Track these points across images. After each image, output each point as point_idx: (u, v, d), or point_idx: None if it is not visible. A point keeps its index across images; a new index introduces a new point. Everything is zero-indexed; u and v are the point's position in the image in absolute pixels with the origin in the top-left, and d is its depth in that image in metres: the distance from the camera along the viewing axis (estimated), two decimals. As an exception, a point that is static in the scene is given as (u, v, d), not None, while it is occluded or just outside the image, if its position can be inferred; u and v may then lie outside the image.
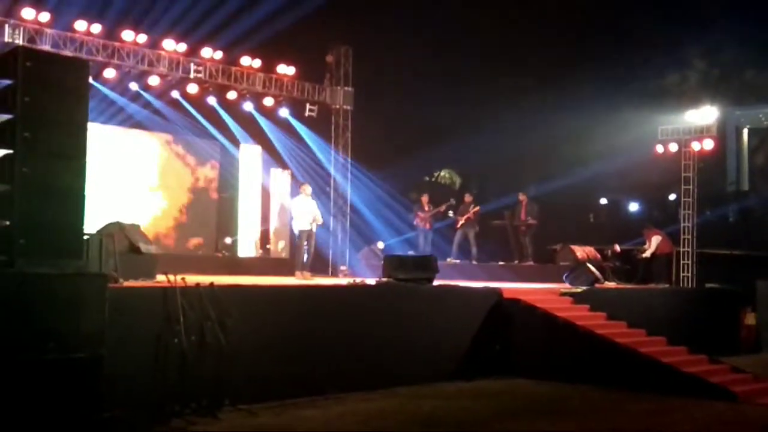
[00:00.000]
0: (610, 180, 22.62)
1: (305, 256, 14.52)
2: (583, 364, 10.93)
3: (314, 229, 14.66)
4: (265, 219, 19.26)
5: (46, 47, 14.92)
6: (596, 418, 9.08)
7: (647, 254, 16.78)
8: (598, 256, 16.33)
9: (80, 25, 15.53)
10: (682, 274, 18.74)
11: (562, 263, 16.08)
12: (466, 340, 11.24)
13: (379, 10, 18.86)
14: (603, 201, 24.83)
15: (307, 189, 14.98)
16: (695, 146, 18.99)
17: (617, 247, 17.29)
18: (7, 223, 7.29)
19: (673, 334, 11.78)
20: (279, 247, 18.89)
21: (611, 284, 15.12)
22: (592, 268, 14.64)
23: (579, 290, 12.95)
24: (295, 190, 18.94)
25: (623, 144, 20.19)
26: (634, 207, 24.86)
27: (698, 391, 10.03)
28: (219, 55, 17.45)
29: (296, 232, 14.73)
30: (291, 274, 14.62)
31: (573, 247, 16.27)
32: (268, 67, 18.43)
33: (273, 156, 19.46)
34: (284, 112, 19.04)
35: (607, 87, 19.63)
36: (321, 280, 14.27)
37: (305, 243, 14.48)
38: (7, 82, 7.52)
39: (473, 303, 11.62)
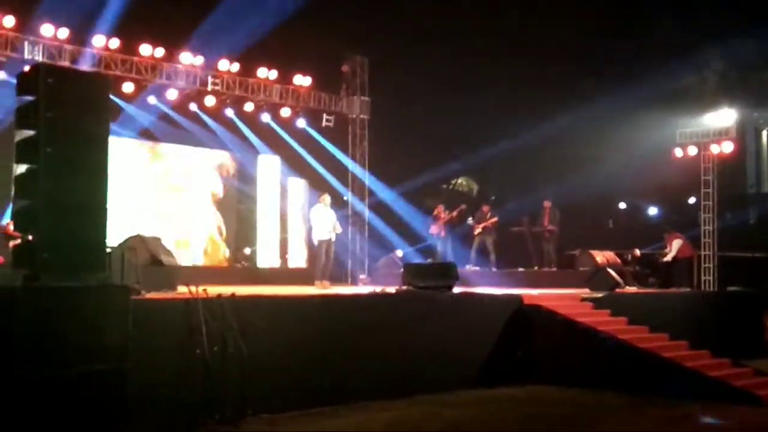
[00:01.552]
0: (629, 184, 22.52)
1: (325, 266, 14.55)
2: (605, 369, 10.88)
3: (333, 239, 14.70)
4: (283, 229, 19.34)
5: (66, 63, 15.10)
6: (619, 424, 9.05)
7: (668, 258, 16.70)
8: (618, 260, 16.26)
9: (98, 40, 15.69)
10: (703, 278, 18.61)
11: (582, 269, 16.03)
12: (487, 347, 11.22)
13: (394, 19, 18.91)
14: (622, 205, 24.73)
15: (326, 199, 15.01)
16: (714, 149, 18.88)
17: (637, 252, 17.21)
18: (31, 237, 7.38)
19: (696, 338, 11.71)
20: (298, 256, 18.94)
21: (632, 289, 15.06)
22: (613, 273, 14.59)
23: (599, 295, 12.91)
24: (314, 200, 19.05)
25: (642, 148, 20.10)
26: (653, 211, 24.75)
27: (722, 396, 9.96)
28: (236, 67, 17.57)
29: (315, 241, 14.77)
30: (310, 283, 14.66)
31: (593, 252, 16.22)
32: (285, 78, 18.54)
33: (291, 166, 19.54)
34: (301, 123, 19.13)
35: (624, 90, 19.54)
36: (341, 289, 14.30)
37: (324, 252, 14.52)
38: (30, 98, 7.63)
39: (494, 309, 11.60)
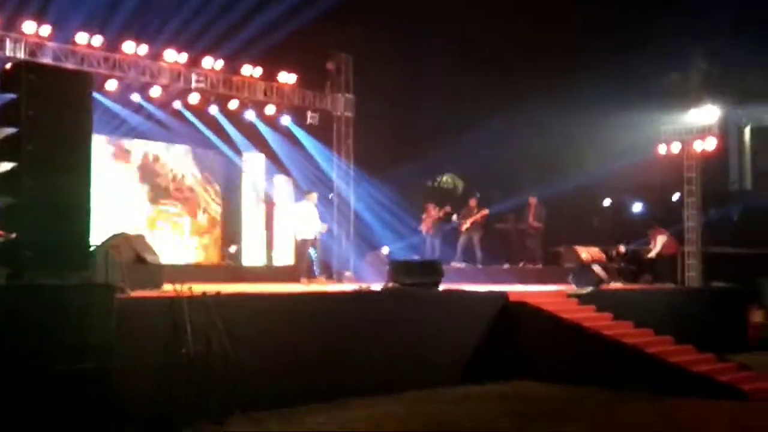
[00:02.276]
0: (612, 181, 22.58)
1: (312, 263, 14.51)
2: (591, 365, 10.92)
3: (318, 237, 14.66)
4: (268, 227, 19.28)
5: (48, 61, 14.96)
6: (605, 420, 9.09)
7: (653, 254, 16.78)
8: (603, 257, 16.30)
9: (81, 37, 15.55)
10: (687, 274, 18.71)
11: (567, 265, 16.07)
12: (473, 344, 11.24)
13: (378, 17, 18.91)
14: (606, 202, 24.81)
15: (314, 197, 14.94)
16: (697, 146, 18.98)
17: (622, 248, 17.28)
18: (14, 235, 7.33)
19: (681, 334, 11.77)
20: (284, 254, 18.89)
21: (617, 285, 15.12)
22: (597, 269, 14.64)
23: (584, 291, 12.96)
24: (299, 198, 19.02)
25: (625, 144, 20.17)
26: (637, 207, 24.84)
27: (707, 391, 10.02)
28: (220, 64, 17.47)
29: (299, 239, 14.73)
30: (296, 281, 14.63)
31: (577, 248, 16.26)
32: (269, 76, 18.46)
33: (276, 164, 19.49)
34: (286, 120, 19.07)
35: (607, 87, 19.60)
36: (326, 286, 14.27)
37: (309, 250, 14.47)
38: (11, 96, 7.57)
39: (480, 306, 11.62)
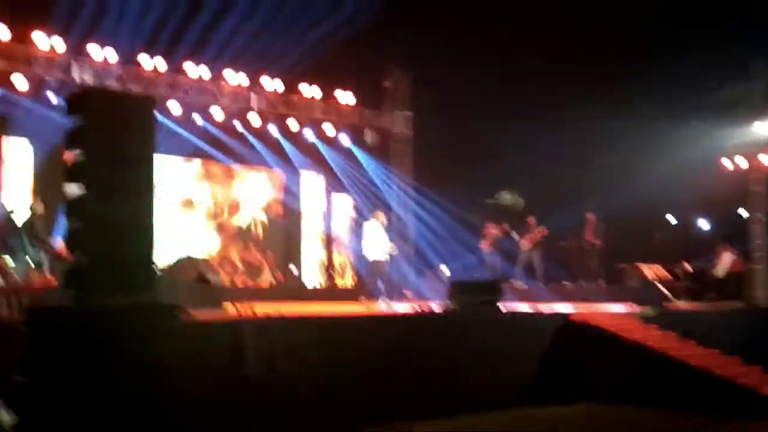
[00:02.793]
0: (677, 196, 22.12)
1: (380, 284, 14.44)
2: (656, 386, 10.67)
3: (385, 257, 14.57)
4: (328, 246, 19.38)
5: (113, 84, 15.35)
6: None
7: (719, 272, 16.38)
8: (667, 275, 15.98)
9: (145, 61, 15.94)
10: (755, 292, 18.20)
11: (630, 283, 15.78)
12: (533, 364, 11.08)
13: (435, 33, 18.89)
14: (670, 218, 24.32)
15: (381, 216, 14.89)
16: (764, 159, 18.49)
17: (687, 265, 16.90)
18: (82, 258, 7.49)
19: (748, 354, 11.42)
20: (344, 274, 18.97)
21: (682, 304, 14.78)
22: (661, 288, 14.35)
23: (648, 310, 12.70)
24: (358, 216, 19.09)
25: (689, 158, 19.77)
26: (703, 224, 24.30)
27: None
28: (279, 84, 17.72)
29: (369, 259, 14.69)
30: (356, 301, 14.65)
31: (641, 266, 15.97)
32: (327, 95, 18.65)
33: (334, 182, 19.61)
34: (344, 139, 19.20)
35: (669, 100, 19.26)
36: (387, 306, 14.24)
37: (378, 270, 14.41)
38: (78, 120, 7.76)
39: (540, 326, 11.47)
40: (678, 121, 19.79)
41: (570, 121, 19.67)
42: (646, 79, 20.01)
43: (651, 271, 15.90)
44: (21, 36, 14.76)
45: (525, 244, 17.63)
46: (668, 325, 12.03)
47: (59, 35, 14.96)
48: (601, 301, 14.93)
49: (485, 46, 19.54)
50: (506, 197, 23.46)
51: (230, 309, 8.83)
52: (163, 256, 9.14)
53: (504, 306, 11.98)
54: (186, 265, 9.57)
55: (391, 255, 14.74)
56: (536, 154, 19.98)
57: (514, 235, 18.04)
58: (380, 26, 18.03)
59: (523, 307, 12.70)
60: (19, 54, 14.69)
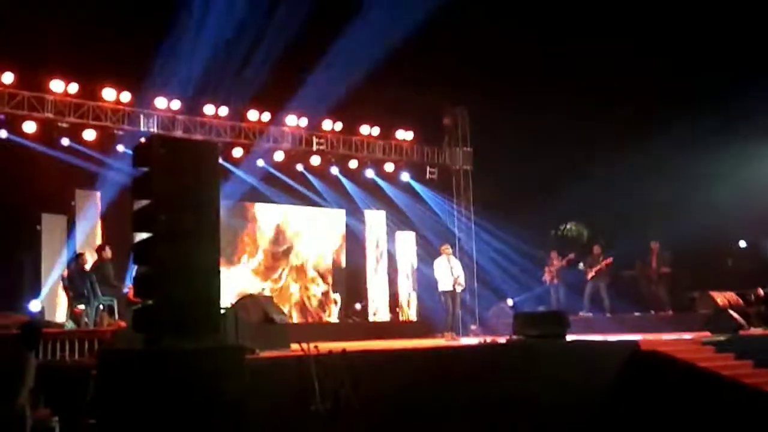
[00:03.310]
0: (747, 221, 21.60)
1: (450, 318, 14.42)
2: (732, 415, 10.38)
3: (458, 290, 14.57)
4: (393, 283, 19.45)
5: (179, 133, 15.84)
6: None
7: (794, 296, 15.90)
8: (741, 301, 15.56)
9: (209, 109, 16.41)
10: (833, 316, 17.58)
11: (702, 311, 15.42)
12: (604, 396, 10.87)
13: (491, 67, 18.97)
14: (741, 243, 23.73)
15: (448, 249, 14.92)
16: (835, 179, 17.99)
17: (761, 291, 16.44)
18: (150, 302, 7.69)
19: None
20: (409, 309, 18.99)
21: (757, 330, 14.37)
22: (735, 315, 13.99)
23: (722, 338, 12.38)
24: (422, 252, 19.15)
25: (757, 182, 19.36)
26: (775, 247, 23.63)
27: None
28: (339, 126, 18.02)
29: (440, 293, 14.63)
30: (422, 336, 14.65)
31: (713, 293, 15.58)
32: (387, 134, 18.87)
33: (397, 219, 19.73)
34: (405, 176, 19.36)
35: (735, 122, 18.91)
36: (453, 341, 14.20)
37: (450, 303, 14.40)
38: (145, 169, 8.02)
39: (609, 357, 11.26)
40: (744, 144, 19.42)
41: (633, 151, 19.47)
42: (708, 102, 19.72)
43: (723, 298, 15.51)
44: (90, 91, 15.35)
45: (591, 274, 17.42)
46: (743, 352, 11.73)
47: (126, 89, 15.52)
48: (673, 330, 14.61)
49: (545, 78, 19.53)
50: (571, 228, 23.27)
51: (295, 347, 8.92)
52: (229, 295, 9.31)
53: (572, 337, 11.85)
54: (248, 303, 9.74)
55: (462, 285, 14.71)
56: (601, 184, 19.79)
57: (581, 265, 17.85)
58: (438, 64, 18.21)
59: (591, 338, 12.51)
60: (89, 108, 15.26)
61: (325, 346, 8.79)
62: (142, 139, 9.31)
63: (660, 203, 20.13)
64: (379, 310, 19.09)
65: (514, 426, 9.85)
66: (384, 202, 19.50)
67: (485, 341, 11.98)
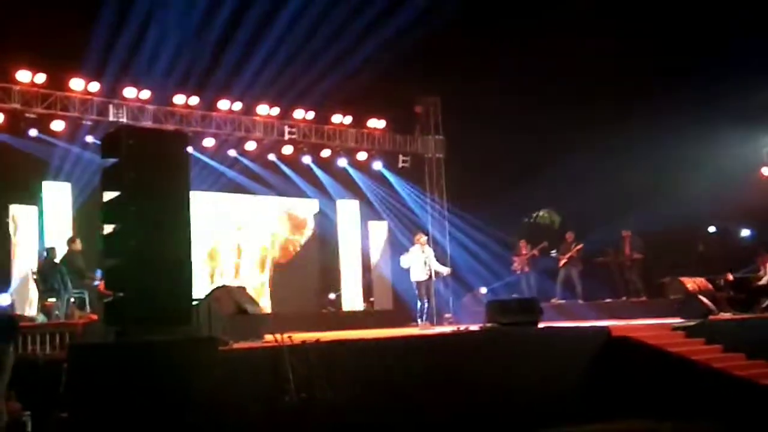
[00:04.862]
0: (717, 206, 21.80)
1: (425, 307, 14.39)
2: (702, 399, 10.50)
3: (432, 278, 14.53)
4: (366, 272, 19.43)
5: (148, 123, 15.68)
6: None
7: (763, 281, 16.11)
8: (710, 286, 15.75)
9: (179, 98, 16.26)
10: (802, 300, 17.84)
11: (672, 297, 15.59)
12: (576, 382, 10.97)
13: (464, 56, 18.97)
14: (711, 229, 23.97)
15: (422, 238, 14.89)
16: (804, 166, 18.24)
17: (730, 276, 16.65)
18: (121, 294, 7.63)
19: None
20: (383, 299, 18.99)
21: (726, 315, 14.55)
22: (705, 300, 14.15)
23: (692, 323, 12.52)
24: (395, 241, 19.14)
25: (728, 168, 19.54)
26: (745, 233, 23.91)
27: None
28: (311, 115, 17.94)
29: (414, 282, 14.57)
30: (396, 325, 14.66)
31: (683, 279, 15.76)
32: (359, 123, 18.81)
33: (370, 209, 19.70)
34: (377, 165, 19.33)
35: (705, 108, 19.06)
36: (427, 329, 14.23)
37: (424, 293, 14.37)
38: (113, 160, 7.94)
39: (581, 343, 11.37)
40: (716, 132, 19.58)
41: (605, 138, 19.57)
42: (679, 90, 19.84)
43: (694, 283, 15.69)
44: (58, 81, 15.15)
45: (563, 260, 17.53)
46: (713, 337, 11.88)
47: (95, 79, 15.33)
48: (644, 316, 14.76)
49: (517, 67, 19.55)
50: (543, 215, 23.36)
51: (269, 338, 8.90)
52: (201, 287, 9.25)
53: (544, 324, 11.93)
54: (221, 295, 9.68)
55: (443, 275, 14.68)
56: (573, 172, 19.88)
57: (553, 252, 17.96)
58: (409, 53, 18.16)
59: (563, 324, 12.60)
60: (56, 98, 15.07)
61: (298, 337, 8.77)
62: (111, 130, 9.20)
63: (632, 190, 20.26)
64: (353, 300, 19.07)
65: (487, 412, 9.90)
66: (357, 191, 19.46)
67: (459, 329, 12.02)
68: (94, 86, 15.37)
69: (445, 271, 15.14)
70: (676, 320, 13.13)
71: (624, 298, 17.43)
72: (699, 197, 20.04)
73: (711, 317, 13.58)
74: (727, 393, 10.44)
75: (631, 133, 19.46)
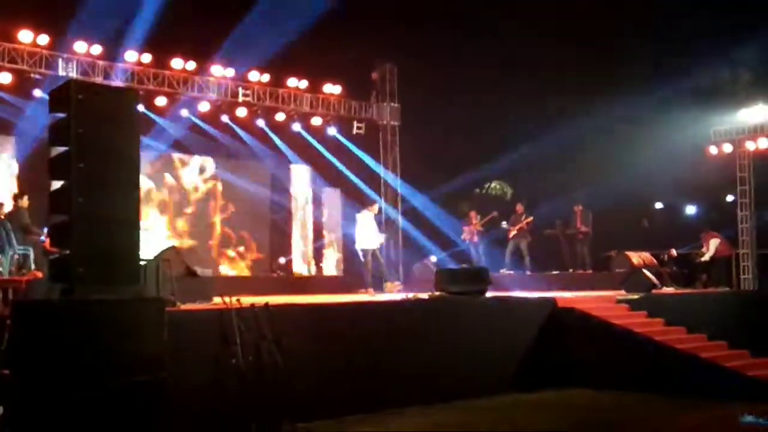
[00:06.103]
0: (664, 183, 22.21)
1: (377, 273, 14.41)
2: (643, 371, 10.75)
3: (378, 247, 14.55)
4: (317, 237, 19.42)
5: (99, 79, 15.34)
6: (659, 427, 8.94)
7: (706, 257, 16.48)
8: (655, 261, 16.05)
9: (131, 55, 15.92)
10: (742, 277, 18.34)
11: (618, 270, 15.88)
12: (522, 351, 11.15)
13: (422, 24, 18.91)
14: (658, 205, 24.42)
15: (375, 207, 14.86)
16: (750, 146, 18.63)
17: (674, 252, 16.99)
18: (67, 252, 7.49)
19: (735, 338, 11.53)
20: (332, 265, 19.01)
21: (669, 289, 14.88)
22: (649, 274, 14.43)
23: (636, 297, 12.78)
24: (347, 208, 19.11)
25: (676, 146, 19.88)
26: (690, 210, 24.41)
27: (763, 395, 9.80)
28: (266, 77, 17.73)
29: (360, 249, 14.62)
30: (345, 291, 14.68)
31: (628, 253, 16.02)
32: (315, 87, 18.66)
33: (323, 174, 19.63)
34: (332, 131, 19.23)
35: (656, 88, 19.32)
36: (376, 296, 14.29)
37: (372, 260, 14.39)
38: (62, 115, 7.74)
39: (528, 313, 11.54)
40: (665, 110, 19.87)
41: (560, 113, 19.74)
42: (631, 69, 20.07)
43: (639, 258, 15.97)
44: (5, 33, 14.73)
45: (512, 232, 17.69)
46: (655, 310, 12.13)
47: (44, 32, 14.94)
48: (590, 288, 15.03)
49: (474, 38, 19.56)
50: (495, 186, 23.55)
51: (217, 300, 8.84)
52: (150, 247, 9.14)
53: (492, 294, 12.06)
54: (171, 255, 9.57)
55: (382, 245, 14.74)
56: (526, 144, 20.04)
57: (504, 224, 18.11)
58: (367, 19, 18.04)
59: (511, 294, 12.75)
60: (4, 49, 14.66)
61: (247, 300, 8.72)
62: (59, 84, 8.97)
63: (584, 165, 20.53)
64: (302, 265, 19.05)
65: (433, 380, 10.01)
66: (310, 156, 19.35)
67: (408, 297, 12.08)
68: (44, 39, 14.99)
69: (383, 238, 15.16)
70: (621, 293, 13.37)
71: (571, 270, 17.70)
72: (648, 175, 20.40)
73: (654, 291, 13.86)
74: (668, 365, 10.69)
75: (585, 109, 19.66)
